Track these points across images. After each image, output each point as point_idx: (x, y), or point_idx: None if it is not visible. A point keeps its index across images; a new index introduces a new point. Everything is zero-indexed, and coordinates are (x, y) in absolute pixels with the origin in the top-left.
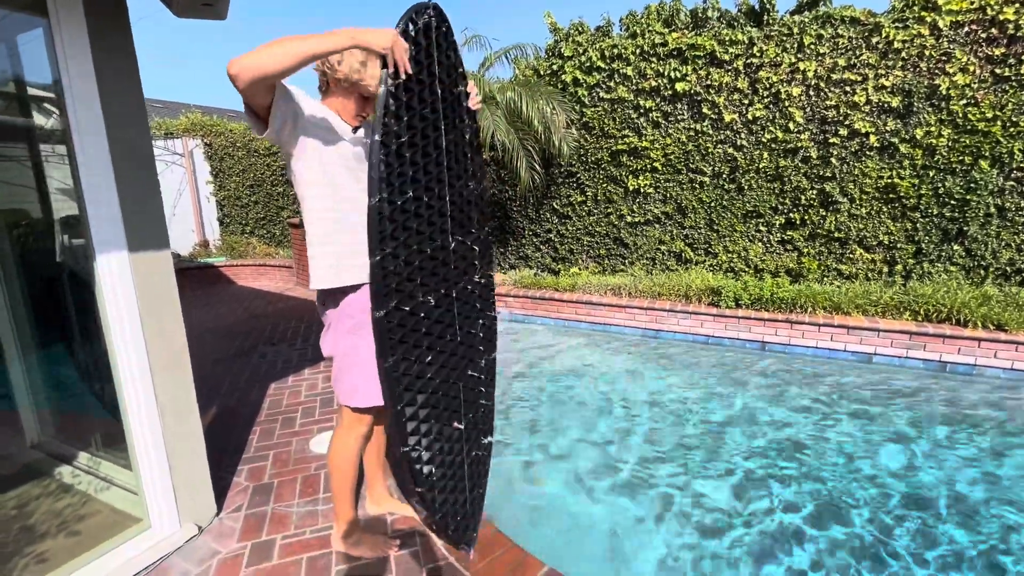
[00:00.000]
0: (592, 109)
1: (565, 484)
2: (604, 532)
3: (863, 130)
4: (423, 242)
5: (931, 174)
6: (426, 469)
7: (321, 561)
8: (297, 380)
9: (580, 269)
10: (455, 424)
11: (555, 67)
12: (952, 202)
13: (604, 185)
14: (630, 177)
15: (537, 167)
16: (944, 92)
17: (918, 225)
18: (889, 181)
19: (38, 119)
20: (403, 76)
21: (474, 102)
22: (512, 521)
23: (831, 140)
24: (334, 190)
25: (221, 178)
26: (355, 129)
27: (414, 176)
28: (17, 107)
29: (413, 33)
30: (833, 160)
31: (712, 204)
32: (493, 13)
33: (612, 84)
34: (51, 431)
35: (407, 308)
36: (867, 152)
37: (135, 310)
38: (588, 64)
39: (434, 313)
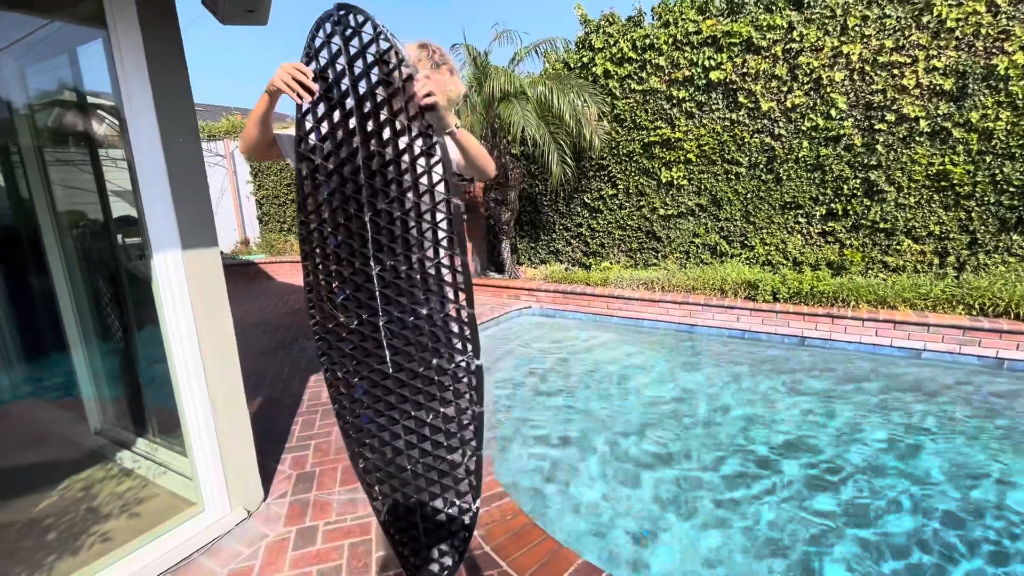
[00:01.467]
0: (623, 101)
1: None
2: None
3: (912, 115)
4: (340, 263)
5: (988, 160)
6: (377, 501)
7: (361, 547)
8: None
9: (612, 263)
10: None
11: (585, 59)
12: (1011, 189)
13: (636, 178)
14: (663, 169)
15: (568, 160)
16: (1002, 72)
17: (973, 214)
18: (941, 168)
19: (97, 127)
20: (304, 99)
21: (421, 96)
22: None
23: (877, 126)
24: None
25: (260, 178)
26: None
27: (329, 197)
28: (80, 115)
29: (315, 50)
30: (879, 147)
31: (748, 195)
32: (524, 8)
33: (644, 75)
34: (112, 418)
35: (328, 324)
36: (916, 138)
37: (188, 305)
38: (619, 55)
39: (355, 338)
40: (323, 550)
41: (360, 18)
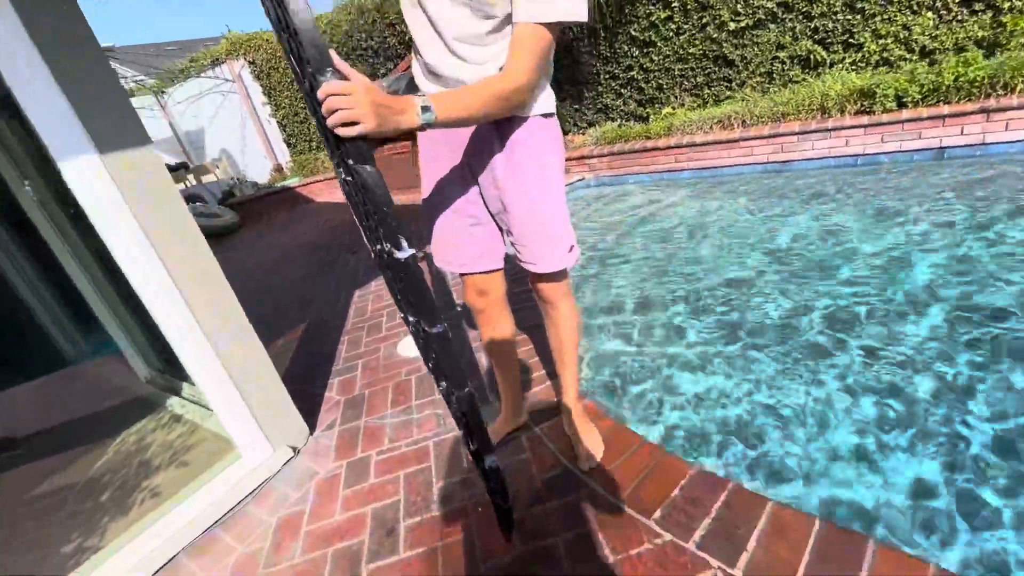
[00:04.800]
0: None
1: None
2: None
3: None
4: None
5: None
6: None
7: (419, 478)
8: (379, 285)
9: (674, 107)
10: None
11: None
12: None
13: None
14: None
15: None
16: None
17: None
18: None
19: None
20: None
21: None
22: None
23: None
24: None
25: (275, 96)
26: None
27: None
28: None
29: None
30: None
31: None
32: None
33: None
34: (156, 367)
35: None
36: None
37: (131, 220)
38: None
39: None
40: (377, 485)
41: None
